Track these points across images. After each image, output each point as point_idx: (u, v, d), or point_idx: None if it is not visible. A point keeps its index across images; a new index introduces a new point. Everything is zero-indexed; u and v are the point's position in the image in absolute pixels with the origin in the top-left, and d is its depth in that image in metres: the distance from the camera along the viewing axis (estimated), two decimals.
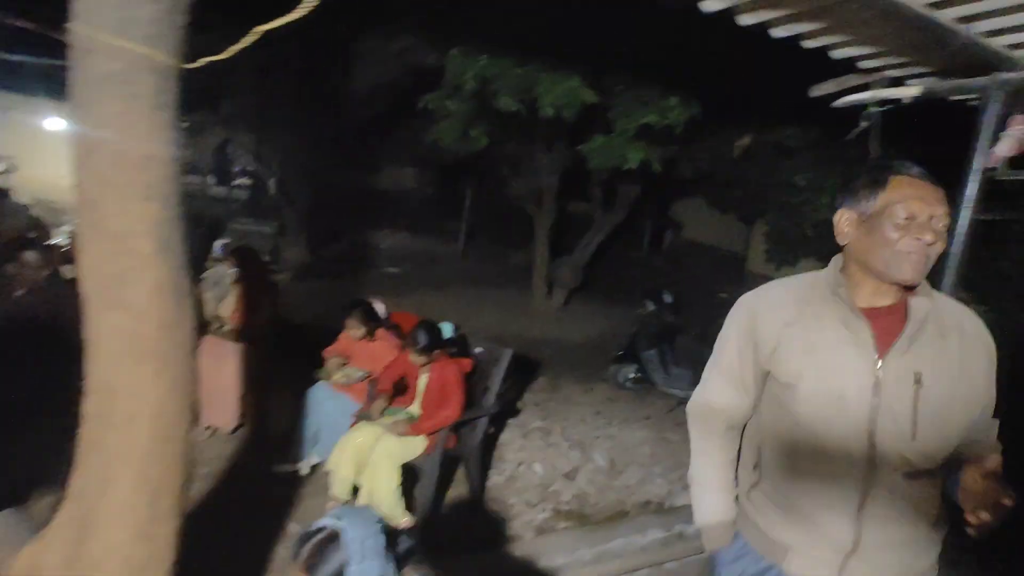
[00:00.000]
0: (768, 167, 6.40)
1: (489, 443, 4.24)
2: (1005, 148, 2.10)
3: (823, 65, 2.51)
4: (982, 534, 1.08)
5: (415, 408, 3.30)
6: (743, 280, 9.73)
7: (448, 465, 3.67)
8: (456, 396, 3.12)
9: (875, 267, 1.27)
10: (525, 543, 3.21)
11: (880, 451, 1.25)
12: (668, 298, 5.83)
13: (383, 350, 3.68)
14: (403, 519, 3.01)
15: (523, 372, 6.02)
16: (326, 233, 10.23)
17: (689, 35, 4.01)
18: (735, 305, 1.50)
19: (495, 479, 3.85)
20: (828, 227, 4.81)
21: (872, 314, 1.29)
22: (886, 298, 1.29)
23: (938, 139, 2.87)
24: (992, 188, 2.27)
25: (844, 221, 1.34)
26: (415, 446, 3.09)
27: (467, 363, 3.35)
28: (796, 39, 2.17)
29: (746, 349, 1.43)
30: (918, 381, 1.23)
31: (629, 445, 4.67)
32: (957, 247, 2.09)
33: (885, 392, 1.24)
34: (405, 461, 3.04)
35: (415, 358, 3.17)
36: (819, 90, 2.60)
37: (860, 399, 1.25)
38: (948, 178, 2.27)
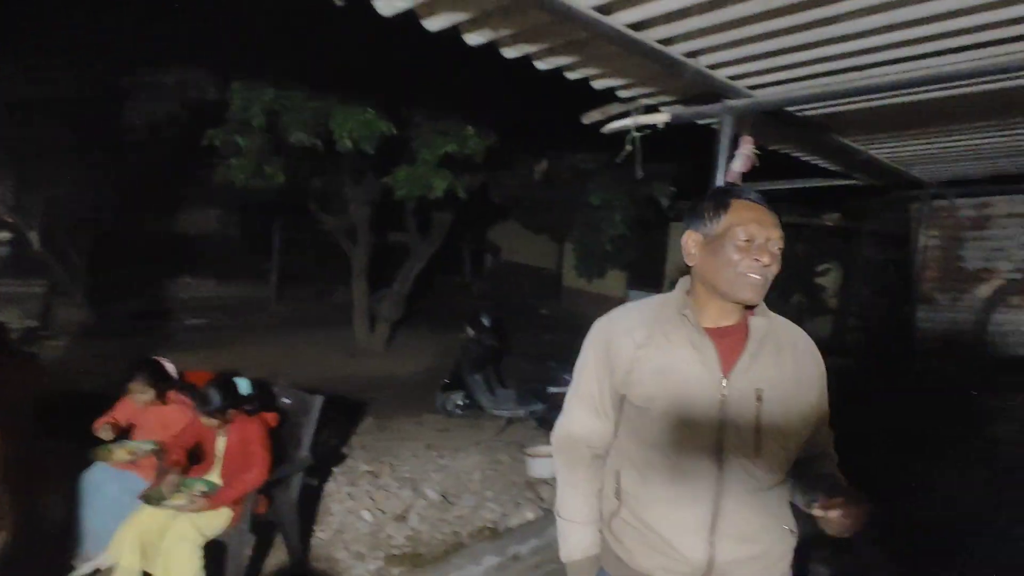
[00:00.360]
0: (568, 189, 6.83)
1: (311, 497, 3.94)
2: (739, 165, 2.41)
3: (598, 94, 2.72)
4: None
5: (214, 476, 2.95)
6: (560, 295, 10.28)
7: (262, 532, 3.34)
8: (261, 455, 2.84)
9: (719, 287, 1.30)
10: None
11: (728, 468, 1.28)
12: (487, 321, 5.93)
13: (176, 415, 3.27)
14: None
15: (349, 414, 5.75)
16: (113, 288, 9.04)
17: (478, 67, 4.15)
18: (590, 331, 1.48)
19: (320, 536, 3.58)
20: (624, 241, 5.19)
21: (717, 334, 1.32)
22: (729, 318, 1.33)
23: (697, 158, 3.19)
24: None
25: (691, 243, 1.36)
26: (218, 520, 2.76)
27: (271, 417, 3.08)
28: (559, 71, 2.31)
29: (603, 374, 1.42)
30: (759, 398, 1.27)
31: (461, 474, 4.62)
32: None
33: (730, 409, 1.27)
34: (208, 538, 2.70)
35: (207, 421, 2.84)
36: (588, 118, 2.80)
37: (708, 417, 1.28)
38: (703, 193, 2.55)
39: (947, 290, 4.57)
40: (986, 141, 3.23)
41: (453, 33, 2.02)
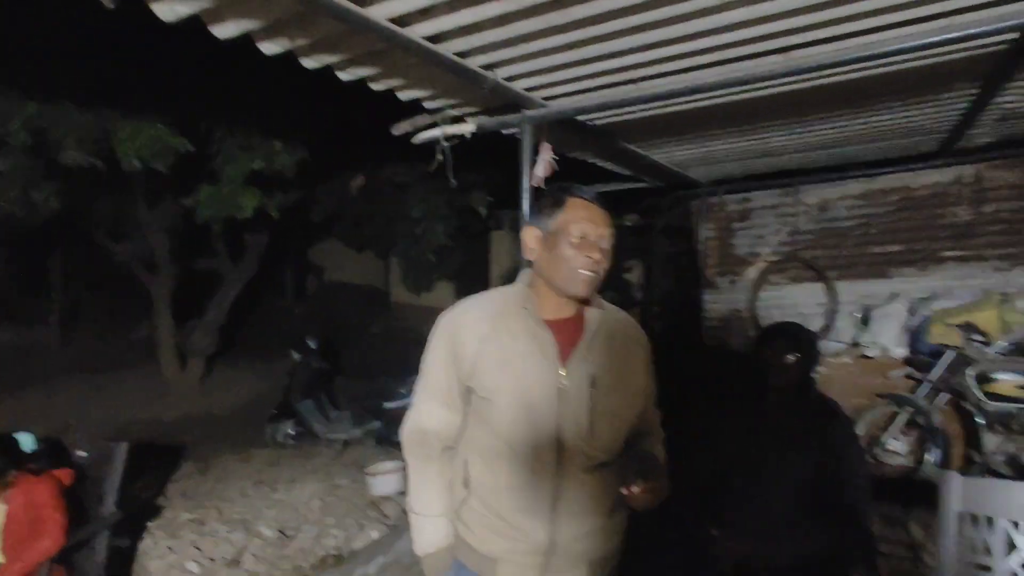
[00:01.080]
0: (388, 203, 6.79)
1: (123, 558, 3.51)
2: (541, 170, 2.61)
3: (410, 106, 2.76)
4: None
5: None
6: (390, 311, 10.15)
7: None
8: (53, 519, 2.48)
9: (554, 282, 1.38)
10: None
11: (566, 451, 1.35)
12: (313, 343, 5.70)
13: None
14: None
15: (164, 461, 5.21)
16: None
17: (285, 79, 4.00)
18: (437, 325, 1.49)
19: None
20: (448, 252, 5.26)
21: (556, 326, 1.39)
22: (567, 310, 1.41)
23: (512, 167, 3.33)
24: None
25: (531, 237, 1.43)
26: None
27: (64, 474, 2.70)
28: (362, 82, 2.32)
29: (450, 367, 1.44)
30: (593, 384, 1.36)
31: (299, 505, 4.39)
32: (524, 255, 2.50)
33: (567, 397, 1.34)
34: None
35: None
36: (398, 129, 2.84)
37: (548, 406, 1.34)
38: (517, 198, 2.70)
39: (725, 275, 5.29)
40: (739, 144, 3.81)
41: (247, 42, 1.95)
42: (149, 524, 3.97)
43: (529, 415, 1.35)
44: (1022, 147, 4.01)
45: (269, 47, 1.95)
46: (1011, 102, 2.99)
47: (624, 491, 1.27)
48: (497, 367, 1.38)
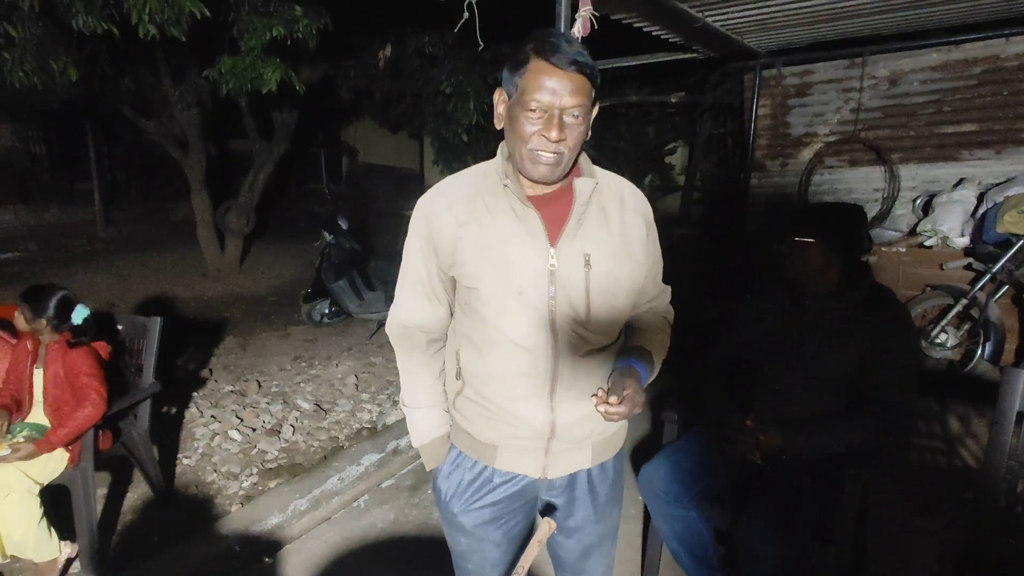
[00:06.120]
0: (417, 78, 6.44)
1: (171, 425, 3.72)
2: (578, 28, 2.32)
3: None
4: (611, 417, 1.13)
5: (39, 417, 2.64)
6: (424, 193, 10.04)
7: (117, 468, 3.12)
8: (94, 387, 2.55)
9: (515, 161, 1.20)
10: (231, 518, 2.91)
11: (560, 336, 1.25)
12: (344, 224, 5.65)
13: None
14: (62, 552, 2.47)
15: (206, 336, 5.42)
16: None
17: None
18: (413, 212, 1.34)
19: (185, 462, 3.40)
20: (481, 131, 4.97)
21: (540, 202, 1.23)
22: (552, 184, 1.23)
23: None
24: None
25: (499, 102, 1.22)
26: (53, 464, 2.48)
27: (101, 346, 2.75)
28: None
29: (428, 257, 1.30)
30: (587, 263, 1.21)
31: (334, 380, 4.55)
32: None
33: (560, 278, 1.21)
34: (43, 485, 2.44)
35: (28, 323, 2.56)
36: None
37: (539, 289, 1.22)
38: None
39: (776, 156, 4.92)
40: (806, 6, 3.37)
41: None
42: (194, 394, 4.17)
43: (519, 300, 1.23)
44: None
45: None
46: None
47: (597, 407, 1.14)
48: (479, 253, 1.23)
